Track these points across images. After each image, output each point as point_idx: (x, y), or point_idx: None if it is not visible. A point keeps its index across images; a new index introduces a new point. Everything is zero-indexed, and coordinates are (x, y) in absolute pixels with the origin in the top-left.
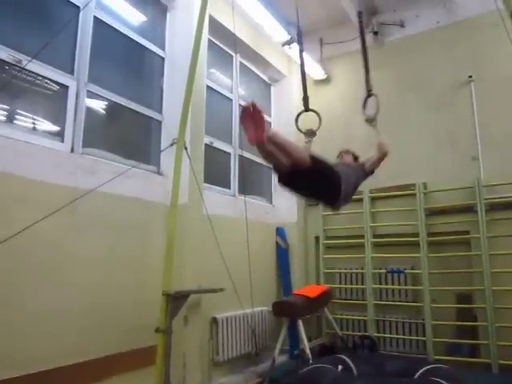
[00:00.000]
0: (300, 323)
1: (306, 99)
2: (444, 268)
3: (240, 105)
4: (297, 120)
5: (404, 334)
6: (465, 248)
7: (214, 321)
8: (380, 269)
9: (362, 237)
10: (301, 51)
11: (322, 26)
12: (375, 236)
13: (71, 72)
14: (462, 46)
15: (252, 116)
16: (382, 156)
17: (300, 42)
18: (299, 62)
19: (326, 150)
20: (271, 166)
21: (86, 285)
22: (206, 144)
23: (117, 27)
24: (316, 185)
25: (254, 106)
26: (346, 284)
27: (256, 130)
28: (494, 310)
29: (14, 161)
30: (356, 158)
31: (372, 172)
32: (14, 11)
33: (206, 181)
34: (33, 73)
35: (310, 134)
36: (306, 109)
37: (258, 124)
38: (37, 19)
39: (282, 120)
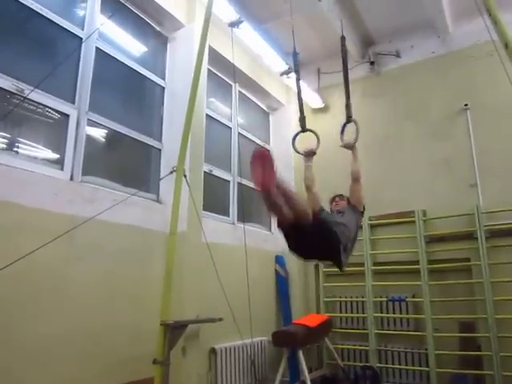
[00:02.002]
0: (300, 354)
1: (302, 120)
2: (446, 296)
3: (254, 149)
4: (294, 141)
5: (407, 365)
6: (466, 275)
7: (213, 351)
8: (381, 297)
9: (362, 264)
10: (297, 74)
11: (319, 57)
12: (375, 264)
13: (72, 101)
14: (458, 74)
15: (263, 162)
16: (356, 182)
17: (296, 64)
18: (296, 89)
19: (324, 178)
20: (273, 216)
21: (84, 314)
22: (205, 172)
23: (118, 57)
24: (315, 245)
25: (266, 153)
26: (346, 313)
27: (264, 176)
28: (497, 339)
29: (14, 189)
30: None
31: (364, 210)
32: (17, 41)
33: (205, 208)
34: (34, 102)
35: (310, 154)
36: (303, 129)
37: (267, 171)
38: (40, 49)
39: (280, 148)
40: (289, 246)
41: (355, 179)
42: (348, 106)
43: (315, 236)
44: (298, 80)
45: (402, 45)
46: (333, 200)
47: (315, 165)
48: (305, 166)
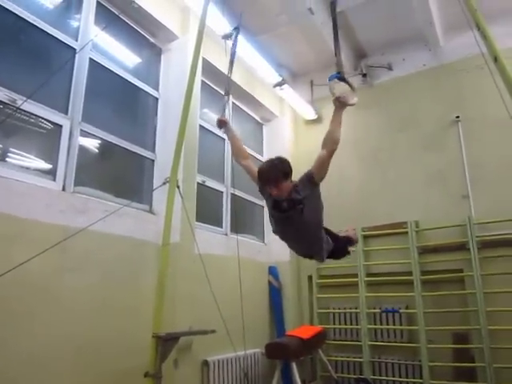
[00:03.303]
0: (294, 366)
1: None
2: (439, 307)
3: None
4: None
5: (401, 377)
6: (459, 286)
7: (206, 364)
8: (374, 308)
9: (356, 275)
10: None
11: (312, 69)
12: (368, 275)
13: (65, 111)
14: (449, 87)
15: None
16: (328, 151)
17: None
18: (292, 102)
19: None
20: None
21: (75, 325)
22: (198, 183)
23: (112, 68)
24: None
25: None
26: (340, 324)
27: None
28: (490, 350)
29: (5, 199)
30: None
31: (320, 180)
32: (11, 52)
33: (198, 219)
34: (27, 112)
35: (222, 124)
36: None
37: None
38: (33, 60)
39: (273, 155)
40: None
41: (328, 145)
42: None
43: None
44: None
45: (394, 57)
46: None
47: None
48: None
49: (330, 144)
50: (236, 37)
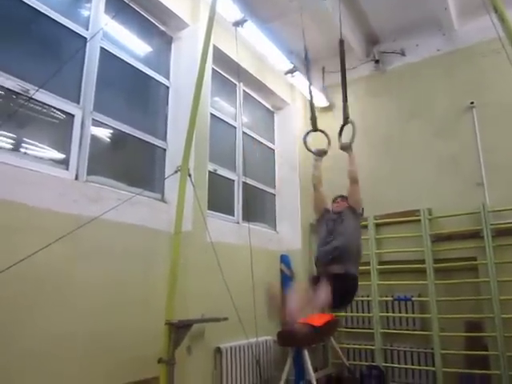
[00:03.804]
0: (306, 353)
1: (313, 119)
2: (452, 295)
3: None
4: (305, 139)
5: (413, 364)
6: (472, 275)
7: (218, 351)
8: (386, 296)
9: (368, 263)
10: (308, 74)
11: (324, 56)
12: (381, 263)
13: (77, 101)
14: (463, 72)
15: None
16: (354, 184)
17: (308, 65)
18: (303, 89)
19: (330, 178)
20: None
21: (88, 314)
22: (209, 171)
23: (123, 57)
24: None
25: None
26: (352, 312)
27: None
28: (504, 338)
29: (19, 189)
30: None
31: (362, 212)
32: (22, 42)
33: (209, 208)
34: (39, 102)
35: (321, 154)
36: (315, 128)
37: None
38: (44, 50)
39: (285, 147)
40: None
41: (353, 181)
42: (345, 108)
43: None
44: (309, 79)
45: (407, 43)
46: (335, 200)
47: (323, 165)
48: (313, 165)
49: (356, 178)
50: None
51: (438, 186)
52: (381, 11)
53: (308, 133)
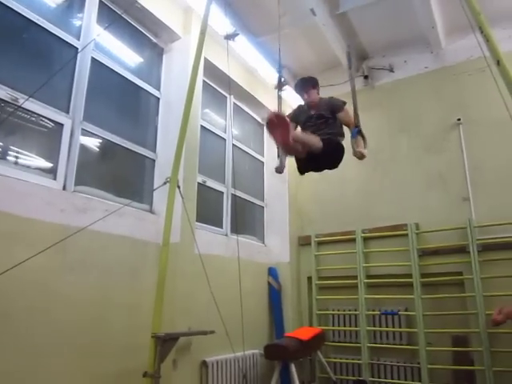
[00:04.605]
0: (293, 367)
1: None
2: (438, 310)
3: (266, 117)
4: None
5: (399, 379)
6: (459, 289)
7: (204, 364)
8: (373, 310)
9: (355, 277)
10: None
11: (314, 70)
12: (368, 277)
13: (67, 110)
14: (451, 89)
15: (277, 123)
16: (360, 151)
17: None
18: (293, 103)
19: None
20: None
21: (73, 326)
22: (198, 183)
23: (114, 68)
24: (324, 160)
25: (277, 115)
26: (339, 326)
27: (283, 135)
28: (490, 353)
29: (5, 198)
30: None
31: (360, 130)
32: (13, 51)
33: (198, 220)
34: (28, 111)
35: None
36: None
37: (284, 129)
38: (35, 59)
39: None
40: (299, 169)
41: (359, 153)
42: (355, 117)
43: (324, 155)
44: (279, 90)
45: (396, 59)
46: (302, 91)
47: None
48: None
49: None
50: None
51: (425, 200)
52: (370, 27)
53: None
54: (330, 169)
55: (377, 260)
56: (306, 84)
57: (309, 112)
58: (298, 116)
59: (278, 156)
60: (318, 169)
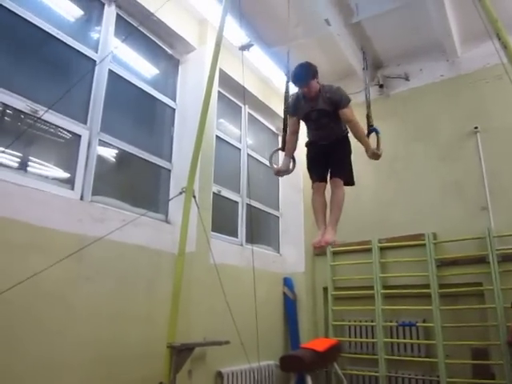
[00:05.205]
0: (308, 379)
1: (284, 139)
2: (457, 321)
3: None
4: (271, 158)
5: None
6: (478, 300)
7: (219, 375)
8: (391, 321)
9: (372, 288)
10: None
11: (329, 79)
12: (385, 287)
13: (84, 122)
14: (467, 97)
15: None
16: (372, 151)
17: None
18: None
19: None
20: None
21: (90, 335)
22: (214, 193)
23: (130, 79)
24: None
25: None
26: (355, 337)
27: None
28: (511, 367)
29: (24, 207)
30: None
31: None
32: (33, 64)
33: (213, 229)
34: (47, 122)
35: (281, 172)
36: (283, 148)
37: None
38: (54, 71)
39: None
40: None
41: (372, 152)
42: (368, 116)
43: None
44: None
45: (411, 68)
46: (300, 86)
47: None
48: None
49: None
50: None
51: (442, 209)
52: (385, 36)
53: (275, 151)
54: (343, 176)
55: (394, 270)
56: (306, 77)
57: (308, 105)
58: (297, 109)
59: (271, 159)
60: (329, 165)
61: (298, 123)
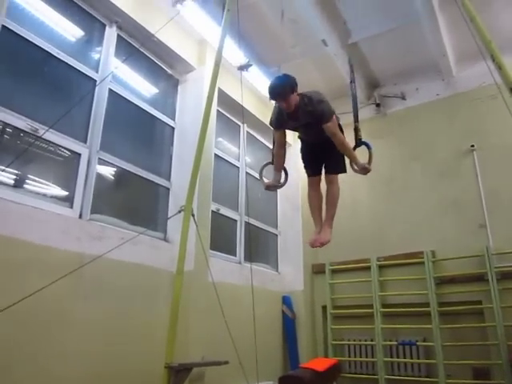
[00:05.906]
0: None
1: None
2: (458, 340)
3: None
4: (261, 172)
5: None
6: (478, 319)
7: None
8: (390, 340)
9: (371, 306)
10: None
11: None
12: (384, 306)
13: (84, 140)
14: (463, 116)
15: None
16: (362, 165)
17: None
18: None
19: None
20: None
21: (88, 353)
22: (212, 211)
23: (130, 99)
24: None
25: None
26: (355, 357)
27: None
28: None
29: (23, 226)
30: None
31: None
32: (34, 83)
33: (212, 248)
34: (47, 141)
35: (272, 187)
36: (273, 161)
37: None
38: (55, 91)
39: (287, 187)
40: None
41: (362, 167)
42: (356, 129)
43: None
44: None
45: (408, 87)
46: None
47: None
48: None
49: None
50: None
51: (440, 227)
52: (382, 56)
53: (265, 165)
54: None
55: (393, 288)
56: (283, 92)
57: (292, 122)
58: (281, 123)
59: (261, 173)
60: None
61: (284, 135)
